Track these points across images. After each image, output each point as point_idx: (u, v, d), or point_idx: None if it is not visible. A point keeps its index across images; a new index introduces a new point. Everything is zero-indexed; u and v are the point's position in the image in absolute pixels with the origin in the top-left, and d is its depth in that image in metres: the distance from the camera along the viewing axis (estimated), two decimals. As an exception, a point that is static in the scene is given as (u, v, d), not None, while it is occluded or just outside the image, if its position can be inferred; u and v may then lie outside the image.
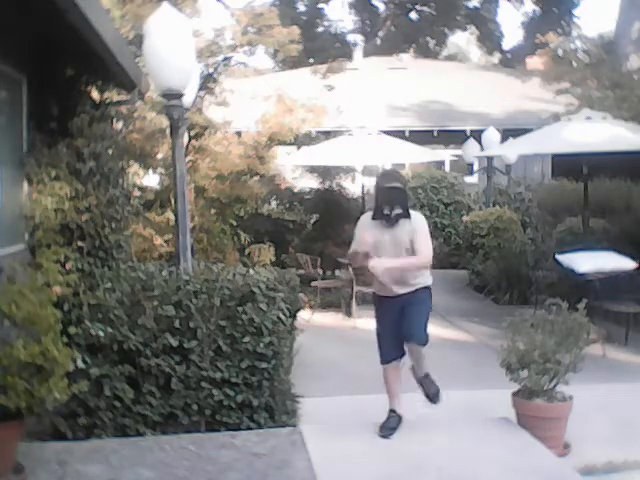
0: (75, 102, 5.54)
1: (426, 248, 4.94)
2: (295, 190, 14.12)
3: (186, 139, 9.25)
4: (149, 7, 8.50)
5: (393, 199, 4.94)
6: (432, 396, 5.13)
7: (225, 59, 11.25)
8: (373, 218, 5.02)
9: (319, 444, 4.73)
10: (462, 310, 10.70)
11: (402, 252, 4.96)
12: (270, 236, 11.55)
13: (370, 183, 14.87)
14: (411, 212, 5.03)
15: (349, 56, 24.44)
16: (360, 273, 5.00)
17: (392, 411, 5.10)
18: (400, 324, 4.98)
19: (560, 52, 16.24)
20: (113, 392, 4.82)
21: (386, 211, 4.94)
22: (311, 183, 14.27)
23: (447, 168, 17.67)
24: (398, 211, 4.93)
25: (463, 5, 30.68)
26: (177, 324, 4.92)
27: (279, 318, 5.10)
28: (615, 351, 8.01)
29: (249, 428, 4.98)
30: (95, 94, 6.13)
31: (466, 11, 30.92)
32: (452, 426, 5.20)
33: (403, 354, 5.08)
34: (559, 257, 9.29)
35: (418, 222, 5.02)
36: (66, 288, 4.79)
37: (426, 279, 5.13)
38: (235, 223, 10.63)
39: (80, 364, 4.44)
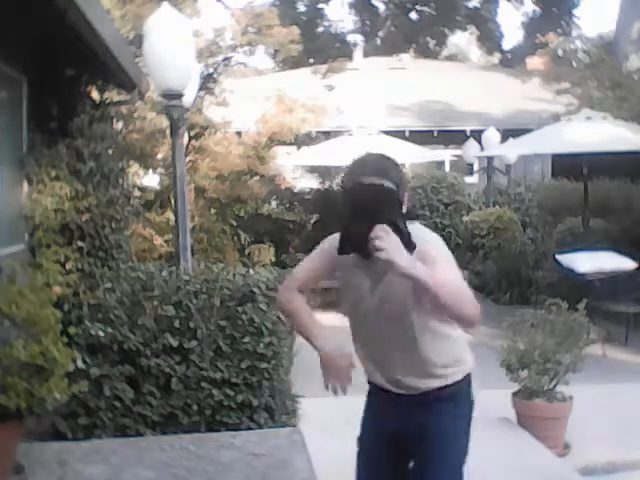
0: (75, 102, 5.54)
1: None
2: (295, 190, 14.13)
3: (186, 139, 9.26)
4: (149, 7, 8.51)
5: (371, 210, 2.35)
6: None
7: (225, 59, 11.28)
8: (340, 251, 2.48)
9: (319, 444, 4.73)
10: (462, 310, 10.66)
11: (402, 320, 2.59)
12: (270, 236, 11.56)
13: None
14: (414, 230, 2.45)
15: (349, 56, 24.43)
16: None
17: None
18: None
19: (560, 52, 16.27)
20: (113, 392, 4.81)
21: (357, 235, 2.36)
22: (311, 183, 14.29)
23: (447, 168, 17.66)
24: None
25: (463, 5, 30.68)
26: (177, 324, 4.91)
27: (279, 318, 5.10)
28: (615, 351, 8.01)
29: (249, 428, 4.97)
30: (95, 94, 6.13)
31: (466, 11, 30.92)
32: (452, 426, 5.20)
33: None
34: (559, 257, 9.30)
35: (431, 249, 2.49)
36: (66, 288, 4.79)
37: (464, 359, 2.77)
38: (235, 223, 10.65)
39: (80, 364, 4.43)
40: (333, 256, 2.59)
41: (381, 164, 2.55)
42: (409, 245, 2.37)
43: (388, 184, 2.45)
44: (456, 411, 2.74)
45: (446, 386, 2.70)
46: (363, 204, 2.39)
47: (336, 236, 2.54)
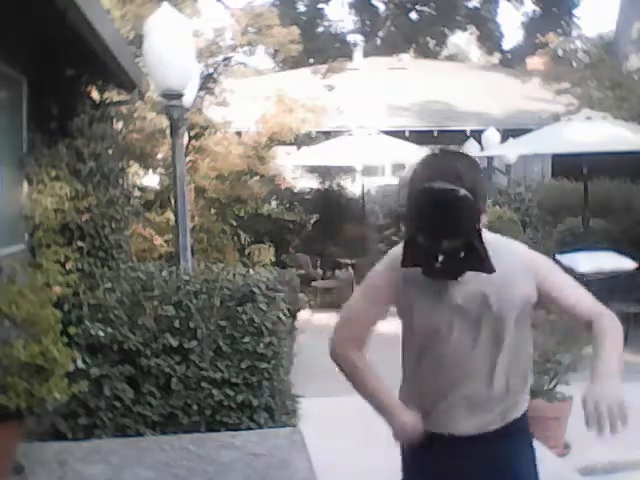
0: (75, 102, 5.54)
1: (587, 300, 2.43)
2: (295, 190, 14.14)
3: (186, 139, 9.26)
4: (149, 7, 8.52)
5: (441, 223, 2.00)
6: None
7: (225, 59, 11.28)
8: (403, 263, 2.12)
9: (319, 444, 4.73)
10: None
11: (494, 345, 2.26)
12: (270, 236, 11.56)
13: (370, 183, 14.95)
14: (499, 246, 2.19)
15: (349, 56, 24.42)
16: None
17: None
18: None
19: (560, 52, 16.29)
20: (113, 392, 4.81)
21: (431, 251, 2.04)
22: (311, 183, 14.29)
23: (447, 168, 17.62)
24: (458, 249, 2.03)
25: (463, 5, 30.68)
26: (177, 324, 4.91)
27: (279, 318, 5.10)
28: (615, 351, 8.00)
29: (249, 428, 4.97)
30: (95, 94, 6.13)
31: (466, 11, 30.92)
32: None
33: None
34: (559, 257, 9.29)
35: (540, 269, 2.27)
36: (66, 288, 4.79)
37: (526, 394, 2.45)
38: (235, 223, 10.65)
39: (80, 364, 4.43)
40: (398, 281, 2.19)
41: (455, 165, 2.08)
42: (488, 268, 2.05)
43: (464, 191, 1.97)
44: (529, 451, 2.38)
45: (516, 419, 2.35)
46: (431, 214, 1.99)
47: (398, 254, 2.16)
